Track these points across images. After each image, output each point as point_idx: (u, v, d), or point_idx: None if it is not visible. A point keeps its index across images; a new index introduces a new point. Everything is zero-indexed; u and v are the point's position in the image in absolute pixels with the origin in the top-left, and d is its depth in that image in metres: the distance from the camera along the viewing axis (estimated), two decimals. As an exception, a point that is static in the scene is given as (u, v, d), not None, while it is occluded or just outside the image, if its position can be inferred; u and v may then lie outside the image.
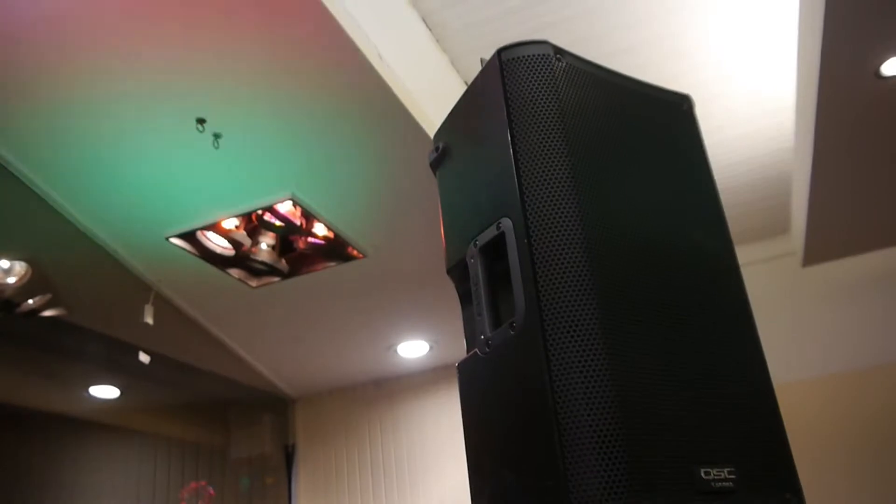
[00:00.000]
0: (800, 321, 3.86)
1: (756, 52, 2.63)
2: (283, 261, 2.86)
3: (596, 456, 0.88)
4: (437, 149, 1.41)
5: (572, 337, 0.94)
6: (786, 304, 3.89)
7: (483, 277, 1.14)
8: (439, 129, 1.44)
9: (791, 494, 1.03)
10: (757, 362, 1.14)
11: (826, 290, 3.86)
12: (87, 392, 3.93)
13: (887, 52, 2.19)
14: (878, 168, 2.91)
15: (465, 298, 1.25)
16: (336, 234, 2.78)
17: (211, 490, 4.27)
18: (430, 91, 2.35)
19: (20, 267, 2.73)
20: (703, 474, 0.94)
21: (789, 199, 3.63)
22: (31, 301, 2.84)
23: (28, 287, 2.78)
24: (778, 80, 2.77)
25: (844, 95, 2.39)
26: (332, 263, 2.99)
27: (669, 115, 1.37)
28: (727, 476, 0.96)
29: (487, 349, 1.08)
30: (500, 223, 1.10)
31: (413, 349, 4.25)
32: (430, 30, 2.44)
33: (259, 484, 4.62)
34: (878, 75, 2.29)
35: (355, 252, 2.93)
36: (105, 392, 3.98)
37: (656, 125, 1.33)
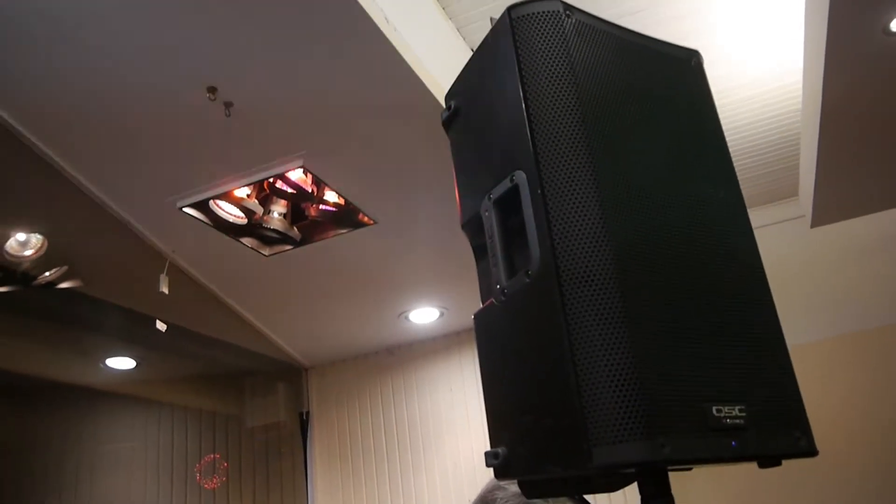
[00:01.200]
0: (809, 283, 3.87)
1: (764, 13, 2.62)
2: (295, 228, 2.89)
3: (612, 396, 0.90)
4: (448, 108, 1.42)
5: (588, 283, 0.97)
6: (794, 265, 3.91)
7: (498, 229, 1.16)
8: (451, 89, 1.45)
9: (800, 433, 1.06)
10: (767, 310, 1.16)
11: (834, 251, 3.87)
12: (104, 363, 3.99)
13: (896, 7, 2.18)
14: (887, 127, 2.90)
15: (480, 252, 1.27)
16: (347, 201, 2.80)
17: (225, 463, 4.35)
18: (437, 56, 2.36)
19: (36, 240, 2.77)
20: (714, 412, 0.97)
21: (797, 161, 3.63)
22: (47, 273, 2.88)
23: (44, 259, 2.82)
24: (786, 40, 2.76)
25: (852, 53, 2.38)
26: (344, 230, 3.01)
27: (678, 71, 1.38)
28: (738, 414, 0.99)
29: (503, 297, 1.11)
30: (513, 176, 1.12)
31: (424, 315, 4.29)
32: (436, -5, 2.45)
33: (275, 451, 4.69)
34: (886, 32, 2.28)
35: (366, 219, 2.95)
36: (121, 363, 4.04)
37: (665, 80, 1.34)
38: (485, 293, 1.25)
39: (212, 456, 4.31)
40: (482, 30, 2.56)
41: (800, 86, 2.99)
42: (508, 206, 1.14)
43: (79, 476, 3.96)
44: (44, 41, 1.94)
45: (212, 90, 2.14)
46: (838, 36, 2.27)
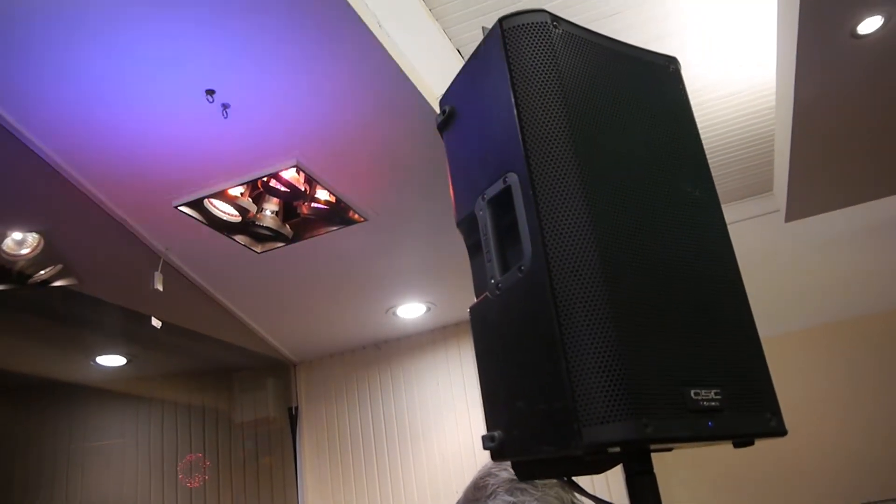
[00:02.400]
0: (783, 275, 3.98)
1: (737, 14, 2.71)
2: (287, 226, 2.95)
3: (600, 380, 0.98)
4: (443, 112, 1.49)
5: (576, 276, 1.04)
6: (769, 258, 4.01)
7: (492, 227, 1.24)
8: (445, 94, 1.52)
9: (771, 414, 1.14)
10: (740, 301, 1.25)
11: (808, 245, 3.98)
12: (95, 361, 4.02)
13: (863, 12, 2.28)
14: (857, 124, 3.01)
15: (474, 249, 1.34)
16: (338, 199, 2.86)
17: (207, 461, 4.39)
18: (426, 58, 2.42)
19: (32, 238, 2.81)
20: (693, 395, 1.05)
21: (772, 157, 3.73)
22: (42, 272, 2.92)
23: (40, 258, 2.85)
24: (759, 41, 2.85)
25: (822, 55, 2.48)
26: (335, 228, 3.07)
27: (658, 77, 1.46)
28: (714, 397, 1.07)
29: (498, 291, 1.18)
30: (506, 178, 1.19)
31: (411, 311, 4.35)
32: (423, -2, 2.51)
33: (264, 446, 4.74)
34: (853, 35, 2.38)
35: (356, 216, 3.01)
36: (112, 360, 4.07)
37: (646, 86, 1.42)
38: (479, 288, 1.33)
39: (192, 455, 4.34)
40: (468, 30, 2.62)
41: (773, 84, 3.09)
42: (501, 205, 1.21)
43: (69, 472, 3.99)
44: (43, 41, 1.98)
45: (210, 92, 2.20)
46: (808, 38, 2.37)
